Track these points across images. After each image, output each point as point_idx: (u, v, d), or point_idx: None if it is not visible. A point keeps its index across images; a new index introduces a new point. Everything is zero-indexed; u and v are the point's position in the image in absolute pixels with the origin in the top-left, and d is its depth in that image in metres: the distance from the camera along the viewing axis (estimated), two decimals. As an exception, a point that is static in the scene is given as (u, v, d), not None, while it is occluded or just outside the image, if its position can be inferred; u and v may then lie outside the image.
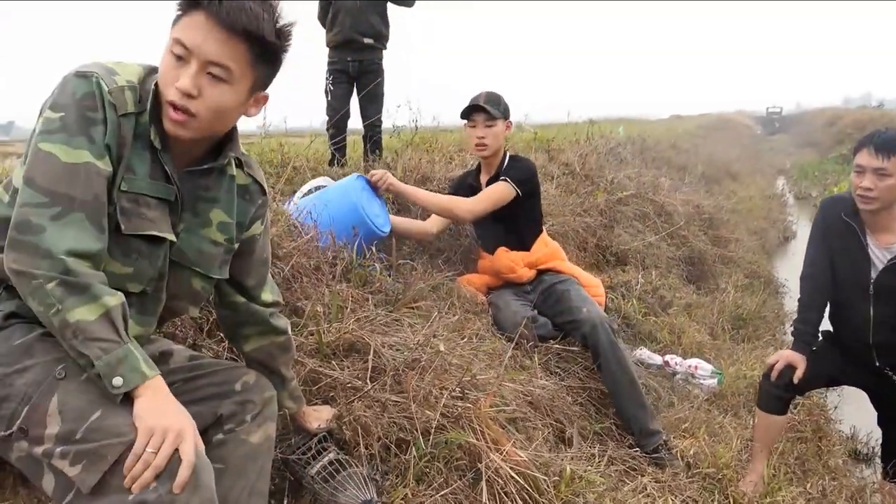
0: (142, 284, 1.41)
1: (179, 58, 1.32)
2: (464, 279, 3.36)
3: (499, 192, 3.16)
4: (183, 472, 1.19)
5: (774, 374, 2.77)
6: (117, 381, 1.22)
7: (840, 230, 2.68)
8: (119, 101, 1.31)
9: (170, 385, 1.42)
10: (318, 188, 3.18)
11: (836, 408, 4.04)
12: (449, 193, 3.44)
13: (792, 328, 2.87)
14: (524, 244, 3.28)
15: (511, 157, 3.34)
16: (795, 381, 2.71)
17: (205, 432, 1.59)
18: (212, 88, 1.34)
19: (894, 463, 2.82)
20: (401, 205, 3.60)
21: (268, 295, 1.73)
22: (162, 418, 1.22)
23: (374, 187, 3.09)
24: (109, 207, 1.32)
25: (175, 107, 1.33)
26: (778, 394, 2.82)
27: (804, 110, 46.14)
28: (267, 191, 1.65)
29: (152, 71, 1.41)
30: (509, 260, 3.24)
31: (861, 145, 2.56)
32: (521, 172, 3.23)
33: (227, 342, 2.00)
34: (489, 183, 3.28)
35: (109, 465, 1.18)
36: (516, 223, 3.26)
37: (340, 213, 2.84)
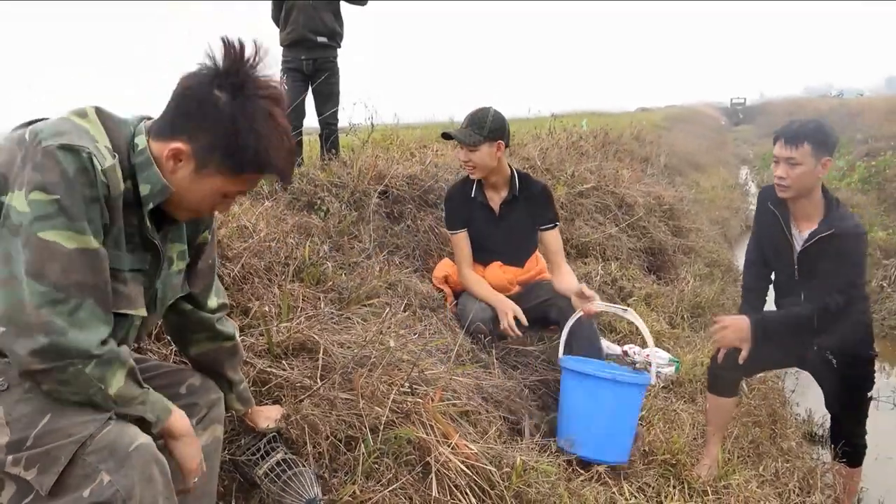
0: None
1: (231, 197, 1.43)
2: (442, 273, 3.36)
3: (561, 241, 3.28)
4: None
5: (720, 358, 2.84)
6: (157, 417, 1.38)
7: (768, 219, 2.81)
8: (113, 183, 1.28)
9: None
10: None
11: (793, 391, 4.12)
12: (457, 229, 3.22)
13: (741, 294, 3.00)
14: (520, 261, 3.29)
15: (522, 175, 3.28)
16: (741, 361, 2.77)
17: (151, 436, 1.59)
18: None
19: (843, 444, 2.89)
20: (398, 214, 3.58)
21: (213, 300, 1.73)
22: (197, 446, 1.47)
23: None
24: None
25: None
26: (726, 375, 2.89)
27: (767, 100, 46.85)
28: None
29: (113, 123, 1.36)
30: (504, 278, 3.22)
31: (776, 137, 2.69)
32: (554, 205, 3.28)
33: (173, 346, 1.99)
34: (505, 205, 3.22)
35: (63, 466, 1.21)
36: (520, 243, 3.28)
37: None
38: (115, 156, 1.30)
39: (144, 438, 1.28)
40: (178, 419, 1.42)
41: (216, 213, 1.48)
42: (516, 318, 2.97)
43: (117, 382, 1.29)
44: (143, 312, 1.43)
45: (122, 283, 1.37)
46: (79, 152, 1.22)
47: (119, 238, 1.34)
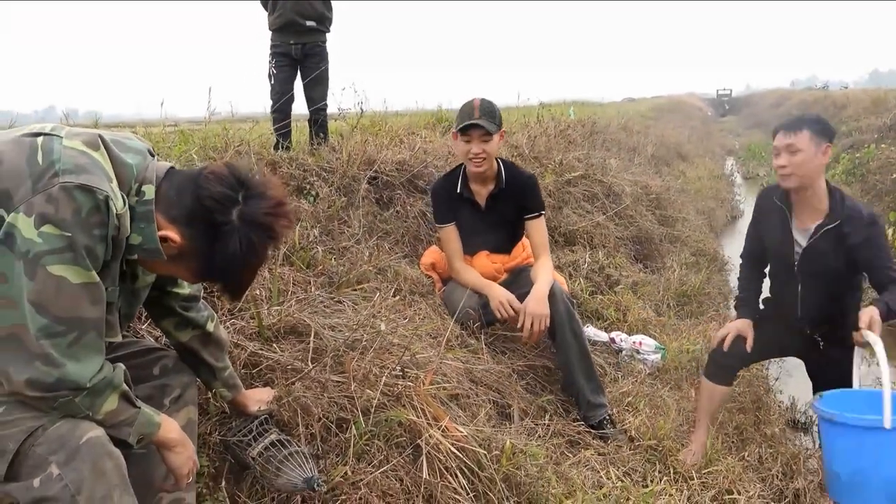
0: None
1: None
2: (430, 260, 3.36)
3: (546, 230, 3.22)
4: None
5: (727, 345, 2.88)
6: (144, 439, 1.43)
7: (771, 214, 2.85)
8: (123, 227, 1.32)
9: None
10: None
11: (777, 379, 4.17)
12: (446, 223, 3.18)
13: (734, 301, 3.02)
14: (507, 249, 3.29)
15: (506, 165, 3.24)
16: (748, 349, 2.84)
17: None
18: None
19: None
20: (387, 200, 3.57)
21: (183, 289, 1.73)
22: (187, 452, 1.53)
23: None
24: None
25: None
26: (728, 363, 2.93)
27: (753, 92, 47.07)
28: None
29: (115, 160, 1.36)
30: (491, 264, 3.21)
31: (775, 130, 2.74)
32: (540, 194, 3.23)
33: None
34: (492, 198, 3.18)
35: (12, 454, 1.25)
36: (507, 232, 3.28)
37: None
38: (124, 199, 1.33)
39: (96, 432, 1.30)
40: (168, 431, 1.48)
41: None
42: (483, 304, 3.01)
43: (108, 406, 1.35)
44: (118, 339, 1.51)
45: (110, 313, 1.41)
46: (95, 194, 1.25)
47: (114, 273, 1.39)
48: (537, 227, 3.18)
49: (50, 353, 1.24)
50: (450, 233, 3.17)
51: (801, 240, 2.75)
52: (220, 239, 1.34)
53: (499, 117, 3.07)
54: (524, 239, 3.35)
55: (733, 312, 3.03)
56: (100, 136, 1.36)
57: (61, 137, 1.32)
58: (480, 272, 3.16)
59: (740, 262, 3.11)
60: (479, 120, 2.99)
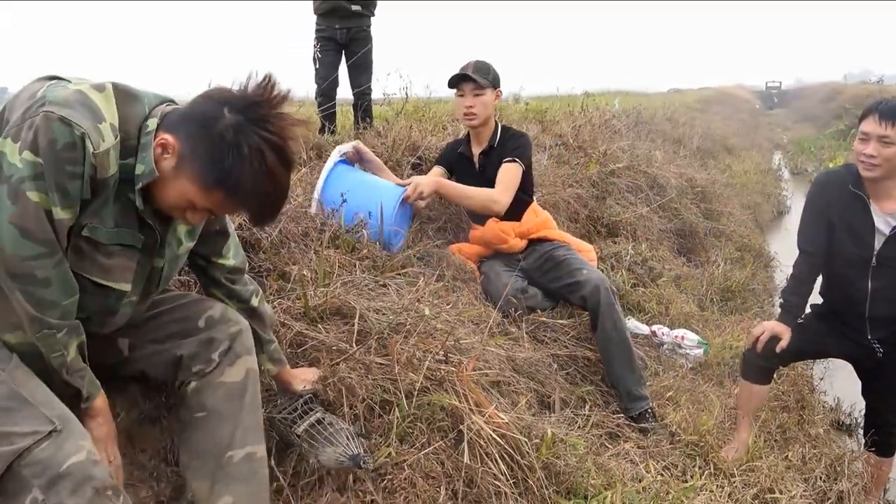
0: (84, 314, 1.46)
1: (194, 208, 1.40)
2: (454, 248, 3.38)
3: (515, 175, 3.17)
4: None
5: (760, 346, 2.80)
6: (89, 394, 1.46)
7: (845, 202, 2.65)
8: (101, 166, 1.32)
9: (131, 326, 1.58)
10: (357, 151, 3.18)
11: (821, 379, 4.09)
12: (439, 164, 3.44)
13: (781, 300, 2.89)
14: (515, 214, 3.28)
15: (503, 127, 3.33)
16: (778, 350, 2.74)
17: (175, 378, 1.63)
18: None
19: (874, 432, 2.87)
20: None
21: (229, 260, 1.76)
22: (110, 429, 1.51)
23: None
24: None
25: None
26: (761, 363, 2.86)
27: (804, 85, 45.80)
28: None
29: (127, 100, 1.39)
30: (500, 230, 3.24)
31: (867, 113, 2.56)
32: (526, 149, 3.24)
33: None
34: (483, 155, 3.28)
35: (1, 471, 1.25)
36: None
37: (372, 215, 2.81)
38: (117, 136, 1.34)
39: (79, 456, 1.28)
40: (101, 401, 1.50)
41: (195, 223, 1.51)
42: (523, 291, 3.09)
43: (72, 352, 1.40)
44: (124, 287, 1.47)
45: (103, 255, 1.41)
46: (73, 129, 1.26)
47: (102, 212, 1.38)
48: (504, 169, 3.18)
49: (34, 274, 1.30)
50: (435, 171, 3.39)
51: (885, 228, 2.57)
52: (212, 127, 1.31)
53: (493, 76, 3.20)
54: (534, 205, 3.40)
55: (778, 310, 2.93)
56: (114, 84, 1.38)
57: (70, 81, 1.36)
58: (491, 238, 3.25)
59: (797, 258, 2.85)
60: (470, 72, 3.13)
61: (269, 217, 1.45)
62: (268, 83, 1.34)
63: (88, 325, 1.47)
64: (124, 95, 1.38)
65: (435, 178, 3.17)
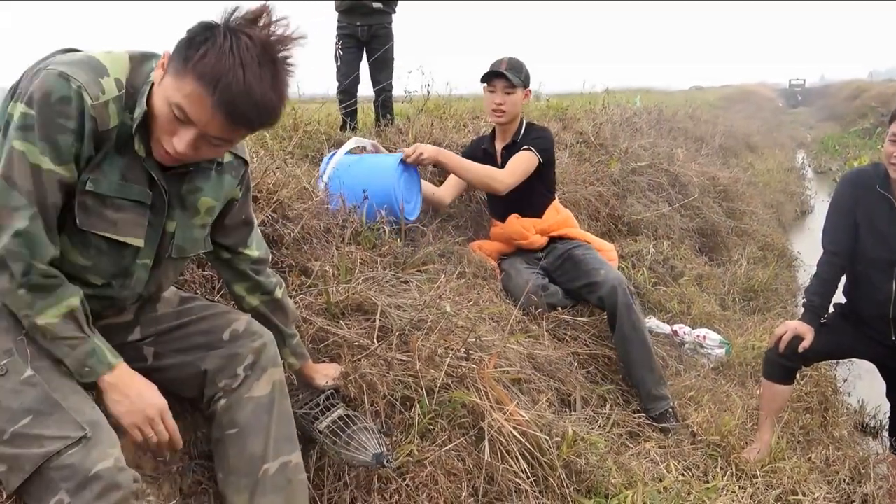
0: (103, 278, 1.46)
1: (179, 118, 1.30)
2: (475, 245, 3.38)
3: (526, 162, 3.15)
4: (175, 444, 1.47)
5: (782, 346, 2.77)
6: (85, 371, 1.38)
7: (871, 203, 2.62)
8: (101, 117, 1.32)
9: (157, 334, 1.57)
10: (362, 148, 3.19)
11: (845, 380, 4.04)
12: (464, 150, 3.45)
13: (804, 300, 2.85)
14: (536, 211, 3.28)
15: (528, 124, 3.33)
16: (801, 350, 2.71)
17: (202, 395, 1.63)
18: (210, 148, 1.36)
19: (901, 435, 2.83)
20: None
21: (253, 252, 1.77)
22: (137, 404, 1.41)
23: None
24: (71, 202, 1.35)
25: (168, 153, 1.36)
26: (784, 363, 2.82)
27: (828, 83, 45.19)
28: (248, 160, 1.67)
29: (142, 59, 1.39)
30: (521, 226, 3.25)
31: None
32: (544, 142, 3.22)
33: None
34: (505, 149, 3.28)
35: (27, 474, 1.25)
36: (530, 190, 3.25)
37: (374, 194, 2.80)
38: (122, 89, 1.34)
39: (107, 463, 1.27)
40: (119, 377, 1.41)
41: (179, 151, 1.33)
42: (544, 288, 3.08)
43: (48, 317, 1.34)
44: (136, 242, 1.45)
45: (111, 208, 1.40)
46: (70, 83, 1.27)
47: (105, 165, 1.37)
48: (517, 155, 3.18)
49: (12, 225, 1.29)
50: None
51: None
52: (202, 30, 1.27)
53: (525, 75, 3.20)
54: (556, 203, 3.40)
55: (801, 310, 2.88)
56: (142, 52, 1.41)
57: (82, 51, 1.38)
58: (512, 234, 3.27)
59: (821, 257, 2.82)
60: (504, 70, 3.13)
61: (242, 116, 1.28)
62: (261, 9, 1.29)
63: (107, 290, 1.47)
64: (141, 56, 1.40)
65: (437, 147, 3.14)
